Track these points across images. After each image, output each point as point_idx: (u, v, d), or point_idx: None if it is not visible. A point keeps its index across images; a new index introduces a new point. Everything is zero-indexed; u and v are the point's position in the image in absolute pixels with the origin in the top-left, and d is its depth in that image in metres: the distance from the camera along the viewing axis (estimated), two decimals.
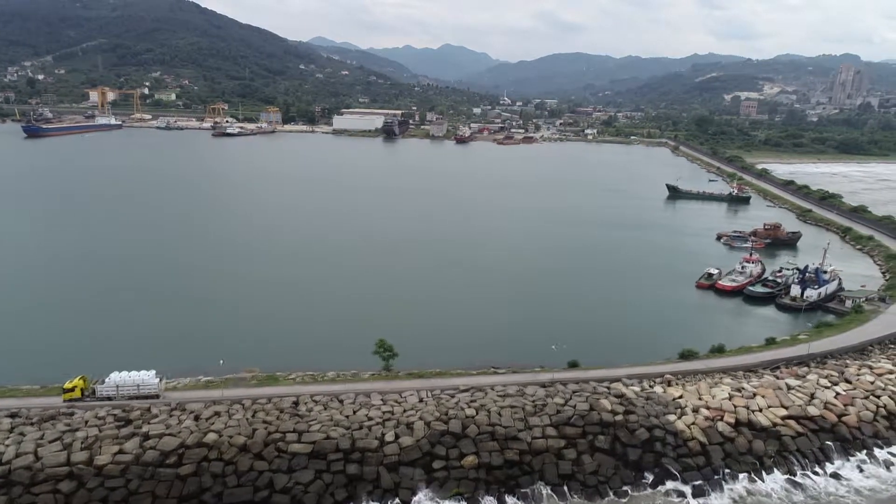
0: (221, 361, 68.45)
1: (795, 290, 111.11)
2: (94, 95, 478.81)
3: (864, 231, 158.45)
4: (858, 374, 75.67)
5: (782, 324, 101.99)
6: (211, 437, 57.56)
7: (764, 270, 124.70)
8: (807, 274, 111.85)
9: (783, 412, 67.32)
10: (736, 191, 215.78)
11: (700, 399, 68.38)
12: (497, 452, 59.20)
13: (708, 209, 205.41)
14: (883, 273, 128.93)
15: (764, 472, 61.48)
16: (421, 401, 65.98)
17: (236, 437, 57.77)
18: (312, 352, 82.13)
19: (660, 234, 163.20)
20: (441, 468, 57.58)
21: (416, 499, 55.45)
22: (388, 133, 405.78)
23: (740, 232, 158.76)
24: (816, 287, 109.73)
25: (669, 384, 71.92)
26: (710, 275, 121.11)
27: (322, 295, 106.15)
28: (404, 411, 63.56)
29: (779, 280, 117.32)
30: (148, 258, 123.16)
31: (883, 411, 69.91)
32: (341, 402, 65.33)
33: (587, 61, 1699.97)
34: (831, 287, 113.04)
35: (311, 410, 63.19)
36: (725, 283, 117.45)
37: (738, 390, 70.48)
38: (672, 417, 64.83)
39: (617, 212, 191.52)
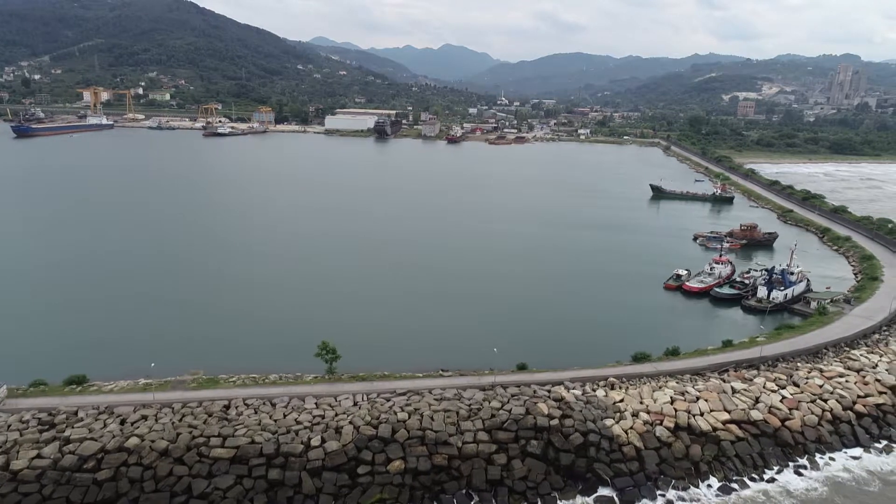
0: (153, 364, 67.53)
1: (762, 292, 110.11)
2: (87, 95, 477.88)
3: (842, 231, 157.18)
4: (808, 378, 74.65)
5: (745, 326, 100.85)
6: (133, 441, 56.76)
7: (734, 272, 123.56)
8: (773, 275, 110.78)
9: (725, 416, 66.37)
10: (719, 191, 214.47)
11: (641, 403, 67.41)
12: (425, 457, 58.31)
13: (691, 209, 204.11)
14: (855, 274, 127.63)
15: (699, 479, 60.54)
16: (355, 404, 65.11)
17: (158, 441, 57.00)
18: (263, 354, 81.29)
19: (637, 235, 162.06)
20: (366, 473, 56.69)
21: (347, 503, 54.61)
22: (379, 133, 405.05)
23: (716, 233, 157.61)
24: (783, 288, 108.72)
25: (613, 388, 70.96)
26: (679, 276, 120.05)
27: (279, 295, 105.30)
28: (336, 415, 62.68)
29: (746, 281, 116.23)
30: (107, 256, 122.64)
31: (828, 416, 68.96)
32: (274, 405, 64.48)
33: (587, 61, 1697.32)
34: (799, 288, 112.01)
35: (241, 414, 62.35)
36: (693, 284, 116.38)
37: (682, 394, 69.53)
38: (610, 422, 63.87)
39: (597, 212, 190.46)
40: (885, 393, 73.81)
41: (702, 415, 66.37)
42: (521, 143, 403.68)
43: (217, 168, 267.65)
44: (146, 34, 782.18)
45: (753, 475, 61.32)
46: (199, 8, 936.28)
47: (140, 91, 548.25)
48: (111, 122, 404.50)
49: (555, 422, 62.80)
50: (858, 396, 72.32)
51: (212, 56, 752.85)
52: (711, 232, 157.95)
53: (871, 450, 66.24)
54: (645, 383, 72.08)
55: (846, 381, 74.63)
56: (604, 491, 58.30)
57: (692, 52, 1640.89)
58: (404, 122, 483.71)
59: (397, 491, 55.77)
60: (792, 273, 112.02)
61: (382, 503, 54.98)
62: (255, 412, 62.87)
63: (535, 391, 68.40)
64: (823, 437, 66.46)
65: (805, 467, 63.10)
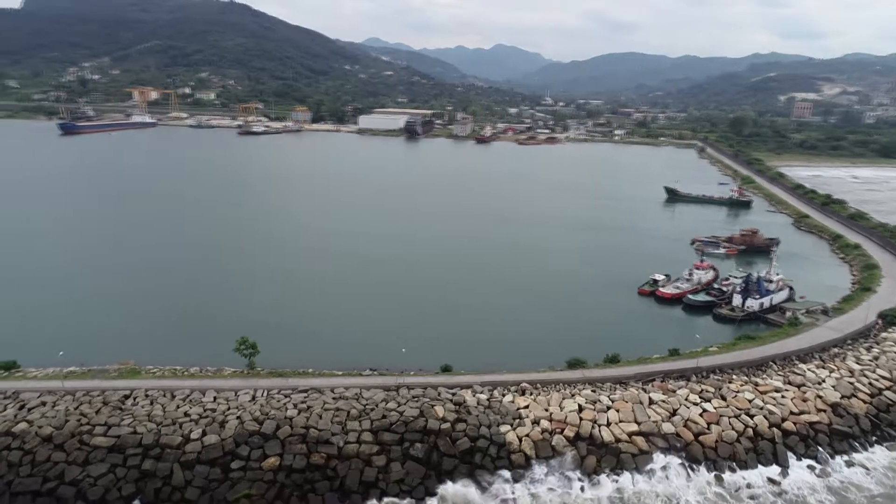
0: (61, 353, 69.25)
1: (736, 300, 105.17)
2: (137, 95, 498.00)
3: (854, 239, 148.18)
4: (738, 391, 70.53)
5: (708, 335, 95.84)
6: (21, 426, 58.54)
7: (716, 278, 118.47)
8: (749, 283, 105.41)
9: (633, 428, 63.47)
10: (736, 194, 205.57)
11: (546, 410, 65.12)
12: (303, 455, 57.96)
13: (704, 213, 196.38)
14: (852, 284, 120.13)
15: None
16: (252, 399, 65.28)
17: (45, 427, 58.58)
18: (205, 348, 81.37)
19: (634, 237, 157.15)
20: (239, 468, 56.73)
21: (216, 498, 54.72)
22: (409, 132, 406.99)
23: (715, 237, 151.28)
24: (758, 297, 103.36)
25: (524, 393, 68.83)
26: (656, 281, 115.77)
27: (238, 290, 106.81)
28: (228, 409, 62.97)
29: (724, 289, 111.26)
30: (95, 248, 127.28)
31: (750, 432, 64.92)
32: (173, 397, 65.29)
33: (641, 61, 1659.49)
34: (779, 297, 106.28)
35: (137, 405, 63.38)
36: (666, 290, 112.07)
37: (594, 403, 66.79)
38: (505, 428, 61.98)
39: (601, 213, 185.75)
40: (824, 411, 69.07)
41: (609, 425, 63.63)
42: (552, 143, 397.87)
43: (235, 163, 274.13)
44: (200, 35, 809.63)
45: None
46: (253, 10, 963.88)
47: (187, 90, 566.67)
48: (154, 121, 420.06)
49: (446, 425, 61.44)
50: (791, 413, 67.88)
51: (261, 57, 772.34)
52: (709, 236, 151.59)
53: (790, 470, 62.01)
54: (559, 390, 69.56)
55: (781, 397, 70.19)
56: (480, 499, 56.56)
57: (752, 52, 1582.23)
58: (439, 121, 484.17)
59: (266, 487, 55.56)
60: (770, 281, 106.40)
61: (248, 498, 54.85)
62: (152, 403, 63.81)
63: (439, 393, 67.06)
64: (738, 454, 62.63)
65: (709, 483, 59.69)
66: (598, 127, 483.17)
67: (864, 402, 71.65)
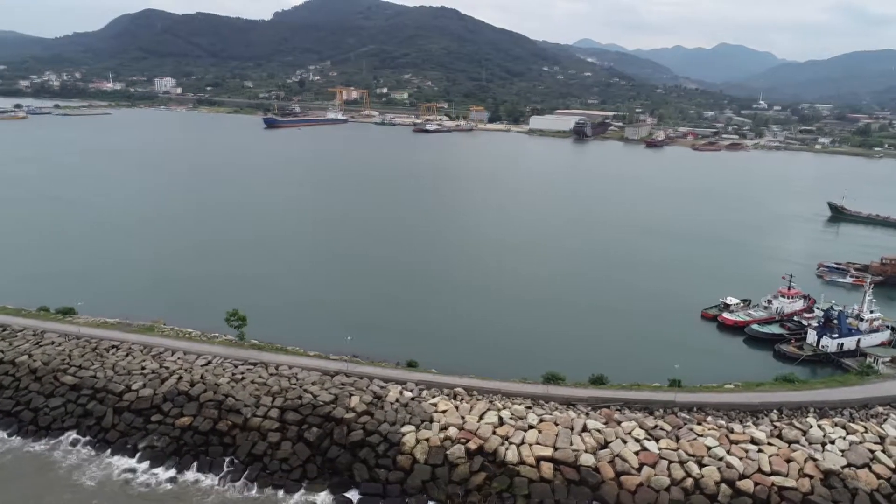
0: (80, 303, 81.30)
1: (811, 337, 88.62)
2: (338, 94, 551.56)
3: None
4: (699, 436, 60.07)
5: (749, 371, 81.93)
6: (21, 358, 70.76)
7: (807, 309, 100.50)
8: (831, 319, 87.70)
9: (546, 452, 57.68)
10: None
11: (462, 419, 61.80)
12: (211, 420, 62.29)
13: (874, 236, 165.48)
14: None
15: None
16: (206, 364, 71.23)
17: (37, 361, 70.16)
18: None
19: (749, 258, 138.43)
20: (157, 421, 62.77)
21: (129, 443, 61.48)
22: (578, 134, 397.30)
23: (846, 264, 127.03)
24: (836, 336, 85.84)
25: (455, 398, 65.97)
26: (727, 305, 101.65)
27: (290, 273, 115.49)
28: (177, 369, 69.53)
29: (804, 322, 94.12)
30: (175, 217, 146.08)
31: (689, 482, 55.12)
32: (149, 353, 73.72)
33: None
34: (871, 339, 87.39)
35: (115, 354, 72.82)
36: (729, 316, 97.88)
37: (518, 419, 61.81)
38: (408, 429, 60.25)
39: (729, 228, 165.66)
40: (810, 476, 55.94)
41: (521, 445, 58.48)
42: (735, 150, 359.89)
43: (380, 154, 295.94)
44: (409, 40, 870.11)
45: None
46: (461, 14, 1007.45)
47: (385, 90, 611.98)
48: (345, 118, 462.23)
49: (350, 415, 61.59)
50: (758, 471, 56.15)
51: (461, 59, 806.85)
52: (838, 263, 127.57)
53: None
54: (492, 401, 65.35)
55: (757, 451, 58.25)
56: (351, 493, 56.06)
57: None
58: (619, 123, 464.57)
59: (168, 441, 60.78)
60: (860, 318, 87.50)
61: (152, 449, 60.48)
62: (127, 355, 72.83)
63: (367, 385, 67.17)
64: None
65: None
66: (801, 134, 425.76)
67: (879, 475, 56.56)
